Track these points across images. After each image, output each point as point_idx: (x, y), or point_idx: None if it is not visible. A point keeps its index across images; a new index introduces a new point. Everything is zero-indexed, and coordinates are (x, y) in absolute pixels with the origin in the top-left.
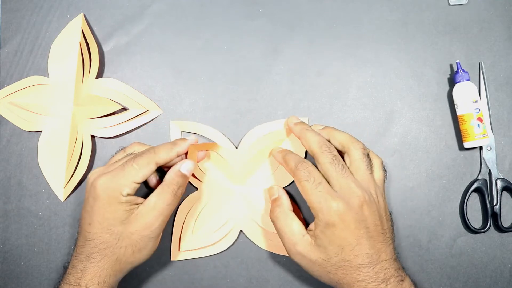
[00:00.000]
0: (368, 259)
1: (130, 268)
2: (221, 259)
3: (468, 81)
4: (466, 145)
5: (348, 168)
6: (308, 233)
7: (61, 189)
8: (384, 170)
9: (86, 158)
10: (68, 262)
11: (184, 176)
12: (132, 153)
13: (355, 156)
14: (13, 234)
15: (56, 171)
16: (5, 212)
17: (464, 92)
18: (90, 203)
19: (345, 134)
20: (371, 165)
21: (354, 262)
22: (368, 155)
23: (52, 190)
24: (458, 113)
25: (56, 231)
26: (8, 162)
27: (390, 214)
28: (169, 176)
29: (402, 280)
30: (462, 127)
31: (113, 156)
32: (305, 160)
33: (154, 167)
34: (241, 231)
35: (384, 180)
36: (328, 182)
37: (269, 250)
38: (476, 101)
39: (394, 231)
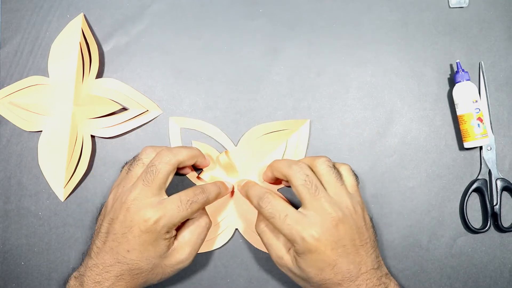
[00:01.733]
0: (348, 275)
1: (153, 284)
2: (221, 259)
3: (468, 81)
4: (466, 145)
5: (322, 185)
6: (288, 252)
7: (61, 189)
8: (355, 174)
9: (86, 158)
10: (74, 269)
11: (205, 208)
12: (152, 165)
13: (322, 170)
14: (13, 234)
15: (56, 171)
16: (5, 212)
17: (464, 92)
18: (135, 232)
19: (306, 157)
20: (340, 176)
21: (334, 280)
22: (334, 166)
23: (52, 190)
24: (458, 113)
25: (56, 231)
26: (8, 162)
27: (371, 219)
28: (200, 211)
29: (386, 287)
30: (462, 127)
31: (124, 166)
32: (267, 193)
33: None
34: (236, 229)
35: (357, 185)
36: (301, 202)
37: (264, 250)
38: (476, 101)
39: (377, 236)
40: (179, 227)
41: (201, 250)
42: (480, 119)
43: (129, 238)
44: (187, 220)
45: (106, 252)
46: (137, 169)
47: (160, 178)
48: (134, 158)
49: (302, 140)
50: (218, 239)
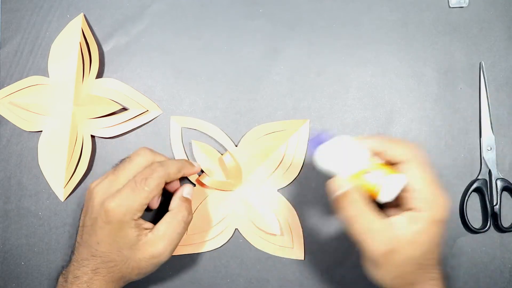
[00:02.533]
0: (438, 257)
1: (134, 280)
2: (221, 259)
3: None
4: None
5: None
6: (392, 226)
7: (61, 189)
8: None
9: (86, 158)
10: (63, 267)
11: (189, 201)
12: (128, 157)
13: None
14: (13, 234)
15: (56, 171)
16: (5, 212)
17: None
18: (99, 224)
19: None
20: None
21: (435, 260)
22: None
23: (52, 190)
24: None
25: (56, 231)
26: (8, 162)
27: None
28: (176, 203)
29: None
30: None
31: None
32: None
33: (162, 187)
34: (236, 229)
35: None
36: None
37: (264, 250)
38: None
39: None
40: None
41: (202, 250)
42: None
43: (96, 230)
44: (166, 213)
45: (82, 246)
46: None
47: (130, 168)
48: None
49: (302, 140)
50: (218, 239)
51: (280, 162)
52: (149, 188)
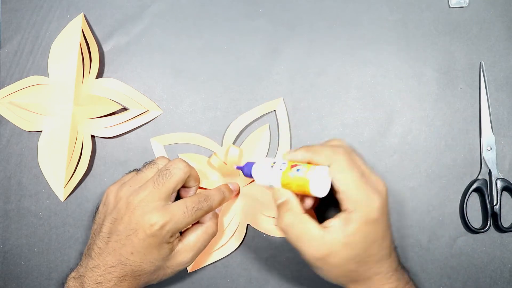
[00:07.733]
0: (388, 250)
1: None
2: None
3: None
4: None
5: None
6: (327, 230)
7: (61, 189)
8: None
9: (86, 158)
10: (71, 270)
11: (217, 216)
12: (166, 169)
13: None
14: (13, 234)
15: (56, 171)
16: (5, 212)
17: None
18: (140, 236)
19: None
20: None
21: (377, 256)
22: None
23: (52, 190)
24: None
25: (56, 231)
26: (8, 162)
27: None
28: (209, 218)
29: (403, 267)
30: None
31: (132, 170)
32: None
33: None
34: (248, 224)
35: None
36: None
37: (280, 236)
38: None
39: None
40: (185, 229)
41: (222, 255)
42: None
43: (133, 241)
44: (197, 225)
45: (108, 253)
46: (149, 172)
47: (172, 182)
48: (148, 162)
49: (282, 120)
50: (234, 239)
51: (269, 146)
52: (196, 217)
